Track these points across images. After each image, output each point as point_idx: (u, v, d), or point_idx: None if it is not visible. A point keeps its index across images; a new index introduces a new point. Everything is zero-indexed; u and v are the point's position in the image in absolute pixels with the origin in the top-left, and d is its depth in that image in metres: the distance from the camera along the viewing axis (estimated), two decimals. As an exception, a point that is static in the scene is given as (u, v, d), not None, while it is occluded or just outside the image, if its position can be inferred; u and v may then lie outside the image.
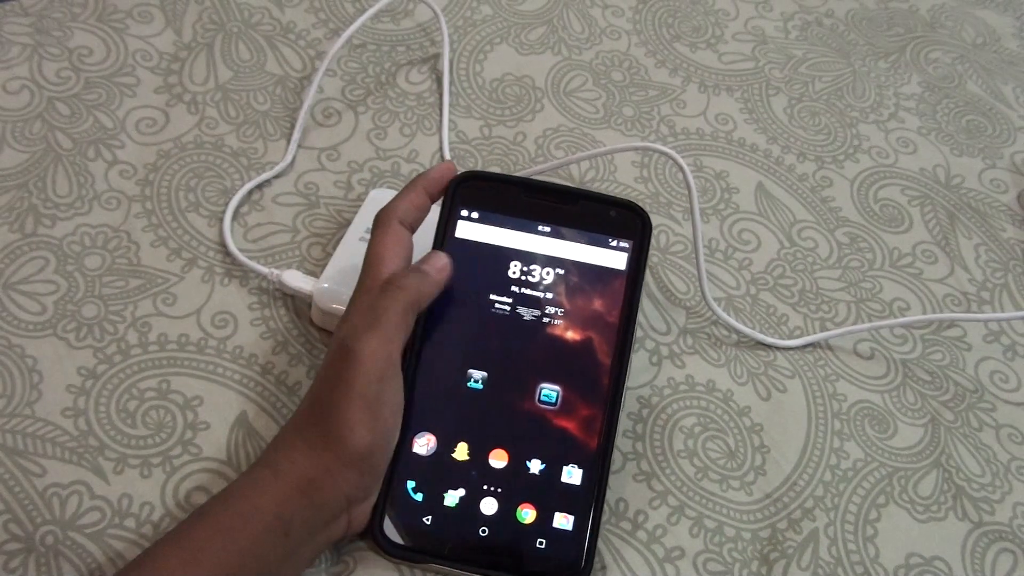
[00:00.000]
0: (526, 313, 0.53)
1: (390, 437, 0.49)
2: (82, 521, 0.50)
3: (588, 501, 0.51)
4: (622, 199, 0.55)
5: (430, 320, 0.52)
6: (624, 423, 0.57)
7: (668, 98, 0.73)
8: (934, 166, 0.73)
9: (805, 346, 0.62)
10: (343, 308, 0.56)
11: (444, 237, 0.54)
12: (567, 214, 0.54)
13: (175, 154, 0.65)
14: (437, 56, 0.73)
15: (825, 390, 0.61)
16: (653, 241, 0.65)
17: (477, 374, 0.52)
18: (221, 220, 0.62)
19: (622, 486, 0.55)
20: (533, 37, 0.75)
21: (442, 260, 0.52)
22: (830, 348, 0.63)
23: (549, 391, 0.52)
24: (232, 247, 0.60)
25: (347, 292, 0.56)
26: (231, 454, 0.53)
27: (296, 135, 0.66)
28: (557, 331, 0.53)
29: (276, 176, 0.65)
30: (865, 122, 0.74)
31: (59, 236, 0.60)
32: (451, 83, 0.71)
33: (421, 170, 0.66)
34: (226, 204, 0.62)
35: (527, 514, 0.51)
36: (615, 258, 0.54)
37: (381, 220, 0.52)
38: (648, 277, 0.64)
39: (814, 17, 0.81)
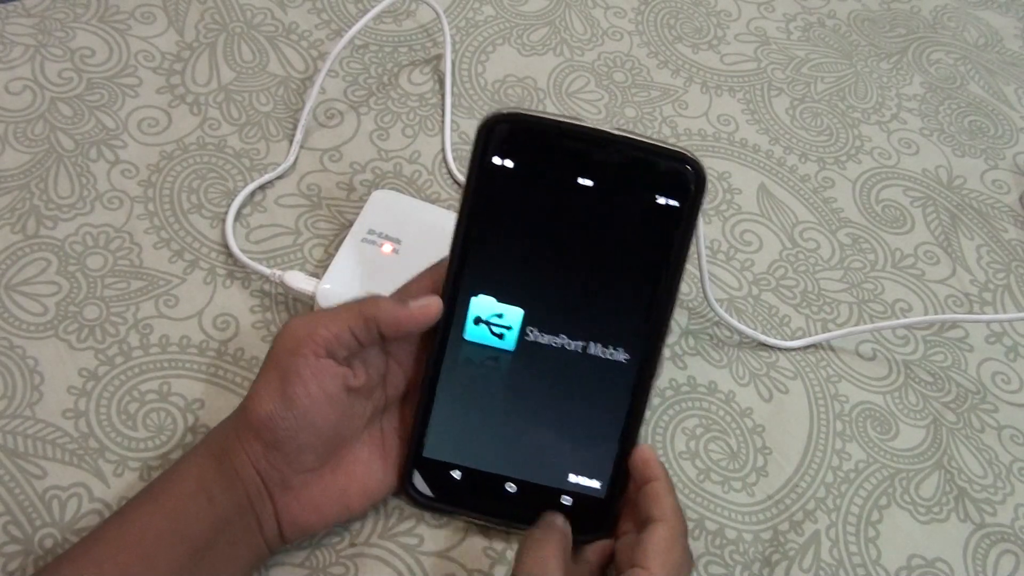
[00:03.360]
0: (563, 273, 0.49)
1: (301, 419, 0.47)
2: (81, 524, 0.50)
3: (615, 464, 0.51)
4: (676, 150, 0.47)
5: (465, 281, 0.49)
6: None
7: (670, 99, 0.73)
8: (936, 167, 0.73)
9: (807, 347, 0.62)
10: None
11: (472, 193, 0.48)
12: (612, 165, 0.47)
13: (177, 155, 0.65)
14: (439, 57, 0.73)
15: (827, 391, 0.61)
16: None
17: (508, 336, 0.50)
18: (223, 221, 0.62)
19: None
20: (535, 38, 0.75)
21: (428, 303, 0.48)
22: (832, 349, 0.63)
23: (576, 365, 0.50)
24: (234, 248, 0.60)
25: (349, 293, 0.57)
26: (232, 455, 0.54)
27: (298, 136, 0.66)
28: (594, 295, 0.49)
29: (278, 177, 0.65)
30: (867, 123, 0.74)
31: (61, 237, 0.60)
32: (453, 84, 0.71)
33: (423, 171, 0.66)
34: (228, 205, 0.62)
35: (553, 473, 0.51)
36: (661, 218, 0.48)
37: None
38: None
39: (816, 18, 0.81)
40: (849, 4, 0.82)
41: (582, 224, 0.48)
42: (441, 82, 0.71)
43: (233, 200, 0.62)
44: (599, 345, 0.49)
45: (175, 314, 0.58)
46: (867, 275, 0.66)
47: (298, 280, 0.58)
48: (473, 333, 0.50)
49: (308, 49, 0.71)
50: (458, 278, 0.48)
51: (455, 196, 0.66)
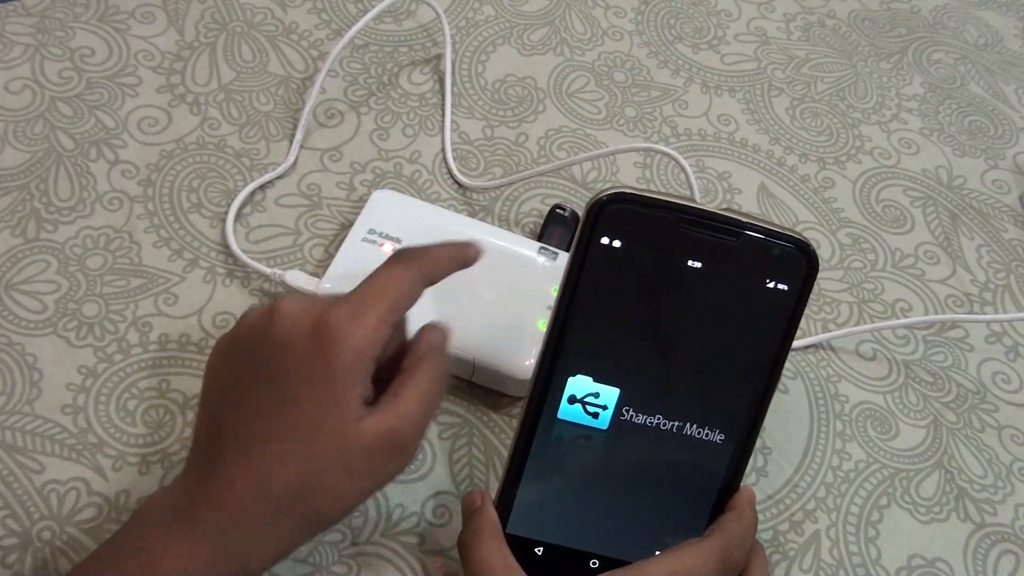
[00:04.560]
0: (663, 354, 0.47)
1: None
2: (79, 517, 0.51)
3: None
4: (789, 234, 0.45)
5: (563, 361, 0.47)
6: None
7: (670, 99, 0.73)
8: (936, 167, 0.73)
9: (807, 347, 0.62)
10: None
11: (576, 271, 0.45)
12: (723, 248, 0.45)
13: (177, 155, 0.65)
14: (439, 57, 0.73)
15: (827, 391, 0.61)
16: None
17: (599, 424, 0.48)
18: (223, 221, 0.62)
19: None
20: (535, 38, 0.75)
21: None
22: (832, 349, 0.63)
23: (670, 444, 0.48)
24: (235, 247, 0.60)
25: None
26: (231, 453, 0.54)
27: (298, 136, 0.66)
28: (693, 377, 0.47)
29: (278, 177, 0.65)
30: (867, 123, 0.74)
31: (61, 240, 0.60)
32: (453, 84, 0.71)
33: (423, 171, 0.66)
34: (228, 205, 0.62)
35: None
36: (770, 302, 0.46)
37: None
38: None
39: (816, 18, 0.81)
40: (849, 4, 0.82)
41: (687, 306, 0.46)
42: (441, 82, 0.71)
43: (233, 200, 0.62)
44: (695, 426, 0.48)
45: (174, 312, 0.58)
46: (867, 275, 0.66)
47: (299, 280, 0.58)
48: (567, 412, 0.47)
49: (308, 49, 0.71)
50: (556, 357, 0.46)
51: (455, 196, 0.66)
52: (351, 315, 0.41)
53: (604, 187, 0.45)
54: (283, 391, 0.41)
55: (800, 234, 0.45)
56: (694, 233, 0.45)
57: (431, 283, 0.45)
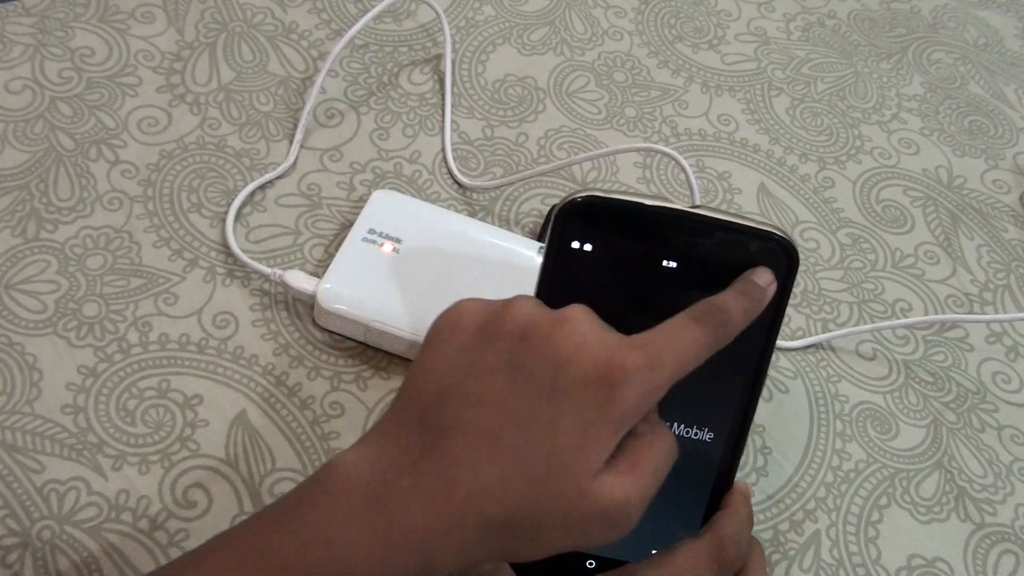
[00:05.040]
0: None
1: None
2: (79, 516, 0.51)
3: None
4: (766, 230, 0.44)
5: None
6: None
7: (670, 99, 0.73)
8: (936, 167, 0.73)
9: (807, 347, 0.62)
10: (345, 308, 0.57)
11: (549, 276, 0.44)
12: (698, 247, 0.44)
13: (177, 154, 0.65)
14: (439, 57, 0.73)
15: (827, 391, 0.61)
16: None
17: None
18: (223, 221, 0.62)
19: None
20: (535, 38, 0.75)
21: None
22: (832, 349, 0.63)
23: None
24: (235, 247, 0.60)
25: (349, 293, 0.57)
26: (230, 451, 0.54)
27: (298, 136, 0.66)
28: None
29: (278, 177, 0.65)
30: (867, 123, 0.74)
31: (61, 240, 0.60)
32: (453, 84, 0.71)
33: (423, 171, 0.66)
34: (228, 205, 0.62)
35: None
36: None
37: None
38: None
39: (816, 18, 0.81)
40: (849, 4, 0.82)
41: (665, 307, 0.44)
42: (441, 82, 0.71)
43: (233, 200, 0.62)
44: (682, 425, 0.47)
45: (174, 312, 0.58)
46: (867, 275, 0.66)
47: (299, 279, 0.58)
48: None
49: (308, 49, 0.71)
50: None
51: (455, 196, 0.66)
52: (648, 366, 0.38)
53: (571, 191, 0.43)
54: (542, 410, 0.37)
55: (779, 229, 0.44)
56: (667, 233, 0.44)
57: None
